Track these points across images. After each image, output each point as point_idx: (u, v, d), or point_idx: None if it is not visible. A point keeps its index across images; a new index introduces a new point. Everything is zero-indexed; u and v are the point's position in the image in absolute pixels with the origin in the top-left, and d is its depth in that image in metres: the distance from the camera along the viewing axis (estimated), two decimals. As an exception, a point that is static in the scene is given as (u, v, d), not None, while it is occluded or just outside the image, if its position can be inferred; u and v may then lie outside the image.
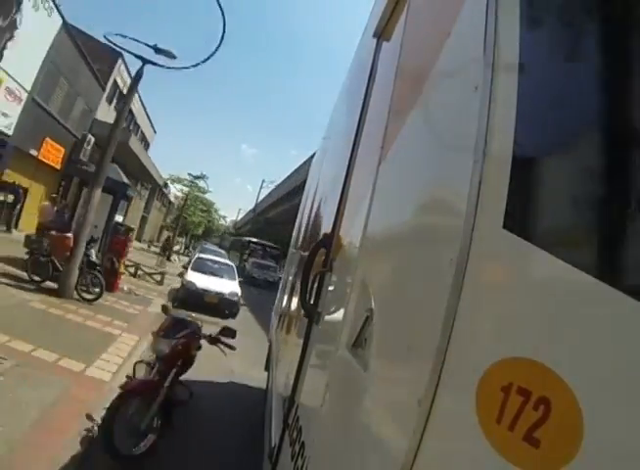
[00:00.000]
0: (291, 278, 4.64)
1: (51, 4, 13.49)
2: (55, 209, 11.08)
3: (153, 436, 3.70)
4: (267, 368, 5.46)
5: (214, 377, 6.20)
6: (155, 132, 36.47)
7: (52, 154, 16.98)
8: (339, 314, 1.57)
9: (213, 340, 4.20)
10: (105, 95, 20.85)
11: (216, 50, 9.83)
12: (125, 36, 9.54)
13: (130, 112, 23.18)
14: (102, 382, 4.92)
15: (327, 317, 1.84)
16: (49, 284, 8.58)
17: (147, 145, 33.62)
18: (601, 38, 0.62)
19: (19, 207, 14.60)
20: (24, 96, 13.71)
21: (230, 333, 4.28)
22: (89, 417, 3.69)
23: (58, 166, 17.87)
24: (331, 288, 1.91)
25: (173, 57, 10.03)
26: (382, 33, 2.09)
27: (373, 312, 1.16)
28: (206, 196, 37.82)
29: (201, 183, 33.78)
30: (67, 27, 14.93)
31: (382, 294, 1.18)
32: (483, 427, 0.57)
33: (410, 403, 0.74)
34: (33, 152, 15.46)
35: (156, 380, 3.83)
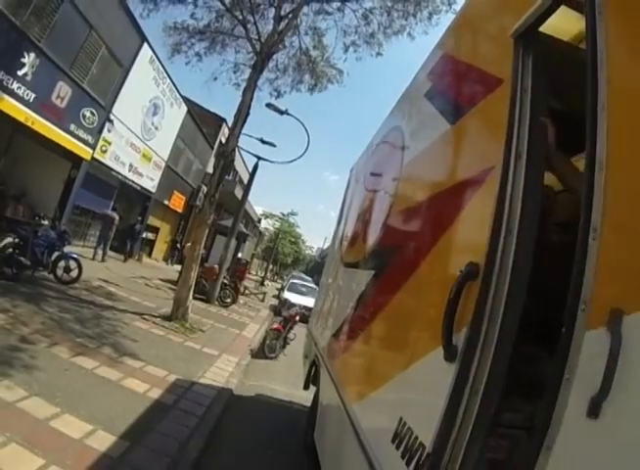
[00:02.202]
0: (345, 296, 4.17)
1: (179, 98, 18.64)
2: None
3: (279, 351, 8.81)
4: (306, 387, 5.42)
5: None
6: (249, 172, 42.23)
7: (177, 202, 22.39)
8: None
9: (302, 317, 8.59)
10: (213, 152, 26.08)
11: (305, 151, 14.18)
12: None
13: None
14: (249, 335, 9.25)
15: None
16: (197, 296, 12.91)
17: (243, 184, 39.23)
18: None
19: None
20: (163, 165, 18.97)
21: (305, 318, 8.58)
22: (249, 345, 7.71)
23: (180, 210, 23.18)
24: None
25: (274, 146, 14.51)
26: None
27: None
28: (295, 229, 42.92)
29: (290, 219, 38.73)
30: (190, 114, 20.18)
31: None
32: None
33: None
34: (166, 202, 20.69)
35: (282, 327, 8.81)
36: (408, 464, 1.61)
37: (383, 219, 3.23)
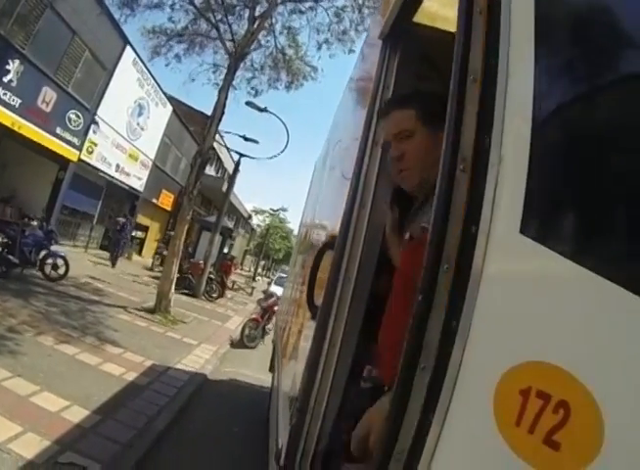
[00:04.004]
0: (294, 281, 4.60)
1: (164, 98, 18.98)
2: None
3: (258, 341, 9.24)
4: (271, 369, 5.55)
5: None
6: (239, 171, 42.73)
7: (165, 200, 22.77)
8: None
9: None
10: (201, 150, 26.49)
11: (285, 147, 14.57)
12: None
13: (219, 159, 28.65)
14: (231, 327, 9.84)
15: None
16: (184, 291, 13.34)
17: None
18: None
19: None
20: (150, 164, 19.34)
21: None
22: (230, 336, 8.19)
23: (169, 209, 23.50)
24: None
25: (257, 143, 14.92)
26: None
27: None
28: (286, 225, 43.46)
29: (280, 215, 39.19)
30: (176, 113, 20.54)
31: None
32: (502, 430, 0.58)
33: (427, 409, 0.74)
34: (154, 200, 21.07)
35: (260, 317, 9.21)
36: (291, 414, 1.98)
37: (316, 210, 3.72)
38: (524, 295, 0.64)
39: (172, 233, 21.85)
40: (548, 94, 0.68)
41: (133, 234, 19.78)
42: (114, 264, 14.54)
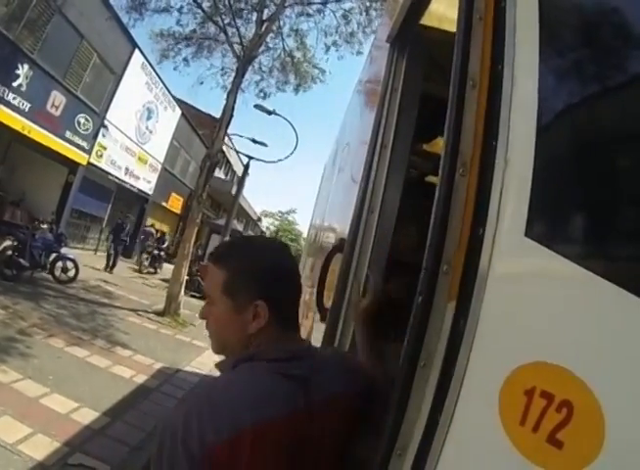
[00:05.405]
0: (303, 283, 4.98)
1: (173, 101, 19.12)
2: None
3: None
4: None
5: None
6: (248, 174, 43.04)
7: (175, 203, 22.94)
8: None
9: None
10: (210, 153, 26.64)
11: (294, 150, 14.63)
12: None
13: (228, 162, 28.79)
14: None
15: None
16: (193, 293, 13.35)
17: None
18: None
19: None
20: (159, 167, 19.48)
21: None
22: None
23: (178, 212, 23.67)
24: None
25: (266, 146, 14.98)
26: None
27: None
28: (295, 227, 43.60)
29: (289, 217, 39.30)
30: (185, 116, 20.70)
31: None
32: (507, 429, 0.58)
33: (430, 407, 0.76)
34: (164, 203, 21.21)
35: None
36: None
37: (326, 212, 3.72)
38: (528, 296, 0.64)
39: (165, 231, 22.06)
40: (552, 98, 0.68)
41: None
42: (107, 268, 13.35)
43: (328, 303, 1.90)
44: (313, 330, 2.33)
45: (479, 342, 0.70)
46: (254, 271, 0.97)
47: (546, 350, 0.58)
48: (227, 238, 14.62)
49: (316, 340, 1.96)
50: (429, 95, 1.84)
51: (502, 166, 0.73)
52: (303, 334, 3.08)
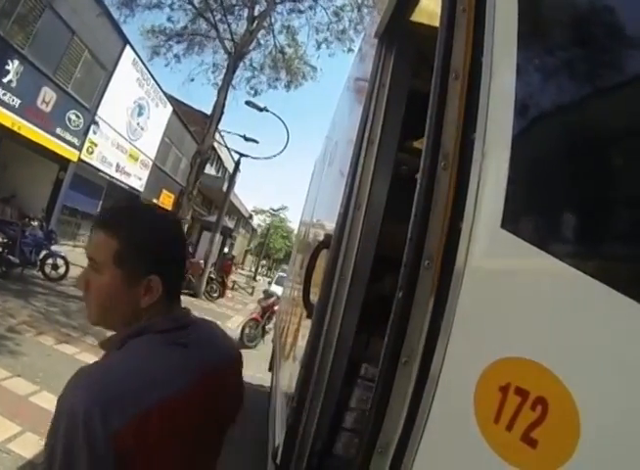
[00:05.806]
0: (293, 279, 4.64)
1: (164, 98, 18.99)
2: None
3: (258, 340, 9.28)
4: (271, 369, 5.49)
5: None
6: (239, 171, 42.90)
7: (166, 200, 22.66)
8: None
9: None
10: (201, 150, 26.54)
11: (285, 147, 14.58)
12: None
13: (219, 158, 28.68)
14: (231, 327, 10.06)
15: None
16: (184, 291, 13.36)
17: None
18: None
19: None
20: (150, 164, 19.33)
21: None
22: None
23: (170, 209, 23.57)
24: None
25: (257, 142, 14.93)
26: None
27: None
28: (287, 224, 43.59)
29: (281, 214, 39.25)
30: (176, 113, 20.53)
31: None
32: (481, 428, 0.57)
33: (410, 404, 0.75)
34: (155, 200, 21.03)
35: (260, 316, 9.28)
36: (287, 413, 1.96)
37: (315, 208, 3.76)
38: (505, 290, 0.64)
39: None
40: (531, 91, 0.68)
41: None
42: None
43: (314, 299, 1.89)
44: (301, 326, 2.34)
45: (455, 337, 0.69)
46: (149, 245, 0.92)
47: (522, 345, 0.57)
48: (218, 235, 14.57)
49: (303, 336, 1.98)
50: (417, 92, 1.76)
51: (479, 159, 0.72)
52: (292, 330, 3.10)
